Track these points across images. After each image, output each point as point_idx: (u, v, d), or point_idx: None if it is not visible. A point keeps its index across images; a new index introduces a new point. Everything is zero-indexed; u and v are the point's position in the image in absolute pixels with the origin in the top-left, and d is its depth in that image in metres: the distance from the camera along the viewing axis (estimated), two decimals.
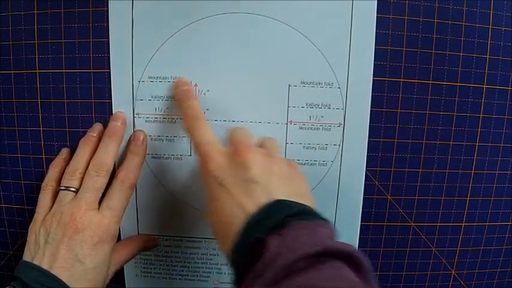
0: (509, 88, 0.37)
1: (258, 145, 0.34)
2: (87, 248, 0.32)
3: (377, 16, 0.35)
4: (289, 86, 0.36)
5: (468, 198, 0.38)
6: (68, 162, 0.36)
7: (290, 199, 0.27)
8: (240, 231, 0.26)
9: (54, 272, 0.31)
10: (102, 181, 0.34)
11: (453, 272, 0.40)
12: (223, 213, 0.28)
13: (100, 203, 0.34)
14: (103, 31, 0.36)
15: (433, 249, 0.39)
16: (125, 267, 0.40)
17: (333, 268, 0.23)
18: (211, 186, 0.30)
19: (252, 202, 0.27)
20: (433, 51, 0.36)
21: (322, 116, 0.36)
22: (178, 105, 0.35)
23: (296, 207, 0.26)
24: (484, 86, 0.36)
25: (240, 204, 0.27)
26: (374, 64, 0.35)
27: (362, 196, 0.38)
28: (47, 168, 0.37)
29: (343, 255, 0.24)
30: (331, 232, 0.26)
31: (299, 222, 0.25)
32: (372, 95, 0.36)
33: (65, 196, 0.34)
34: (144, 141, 0.37)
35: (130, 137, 0.37)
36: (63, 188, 0.34)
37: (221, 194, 0.29)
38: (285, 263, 0.23)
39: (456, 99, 0.37)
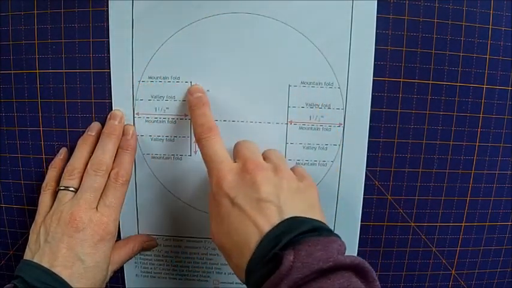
0: (509, 88, 0.37)
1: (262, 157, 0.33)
2: (87, 247, 0.32)
3: (377, 16, 0.35)
4: (289, 86, 0.36)
5: (468, 198, 0.38)
6: (66, 162, 0.36)
7: (302, 215, 0.28)
8: (257, 247, 0.27)
9: (55, 270, 0.31)
10: (101, 180, 0.34)
11: (453, 272, 0.40)
12: (236, 232, 0.28)
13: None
14: (103, 31, 0.36)
15: (433, 249, 0.39)
16: (124, 267, 0.40)
17: (343, 277, 0.25)
18: (222, 204, 0.30)
19: (266, 220, 0.27)
20: (433, 51, 0.36)
21: (322, 116, 0.36)
22: (190, 112, 0.35)
23: (310, 224, 0.27)
24: (484, 86, 0.36)
25: (255, 223, 0.28)
26: (374, 64, 0.35)
27: (362, 196, 0.38)
28: (47, 168, 0.37)
29: (352, 267, 0.25)
30: (342, 247, 0.27)
31: (312, 238, 0.26)
32: (372, 95, 0.36)
33: (64, 196, 0.34)
34: (133, 135, 0.36)
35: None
36: (62, 187, 0.34)
37: (233, 213, 0.29)
38: (299, 276, 0.25)
39: (456, 99, 0.37)
